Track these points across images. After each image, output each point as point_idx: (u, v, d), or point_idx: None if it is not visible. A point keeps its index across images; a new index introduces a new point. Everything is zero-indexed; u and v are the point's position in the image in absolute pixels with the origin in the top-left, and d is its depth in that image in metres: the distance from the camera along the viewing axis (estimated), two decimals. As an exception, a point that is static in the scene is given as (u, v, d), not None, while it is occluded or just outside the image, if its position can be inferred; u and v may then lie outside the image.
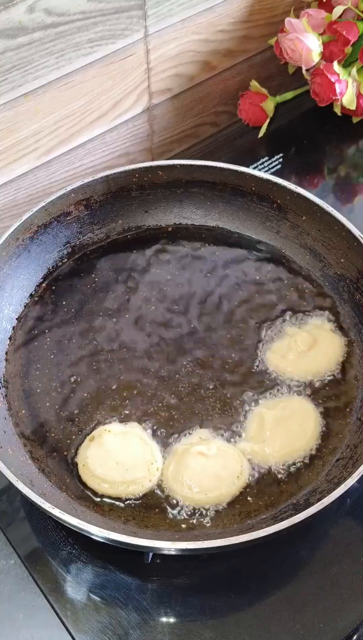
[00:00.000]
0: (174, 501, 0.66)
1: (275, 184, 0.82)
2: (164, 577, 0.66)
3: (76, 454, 0.69)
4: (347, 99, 0.96)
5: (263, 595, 0.65)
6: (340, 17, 0.95)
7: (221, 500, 0.66)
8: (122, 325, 0.79)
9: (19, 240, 0.79)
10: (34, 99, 0.80)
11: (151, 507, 0.66)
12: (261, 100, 1.01)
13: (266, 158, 1.01)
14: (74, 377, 0.75)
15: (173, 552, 0.60)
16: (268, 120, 1.02)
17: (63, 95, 0.83)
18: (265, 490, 0.67)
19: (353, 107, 0.97)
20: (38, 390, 0.74)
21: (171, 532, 0.64)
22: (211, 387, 0.74)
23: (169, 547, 0.58)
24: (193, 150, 1.06)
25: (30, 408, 0.72)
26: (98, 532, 0.58)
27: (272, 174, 0.93)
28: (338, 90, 0.95)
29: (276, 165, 1.00)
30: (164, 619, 0.64)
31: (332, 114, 1.00)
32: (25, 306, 0.80)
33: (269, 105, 1.02)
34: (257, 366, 0.75)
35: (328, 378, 0.74)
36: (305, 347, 0.75)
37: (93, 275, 0.83)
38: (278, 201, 0.84)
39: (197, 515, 0.65)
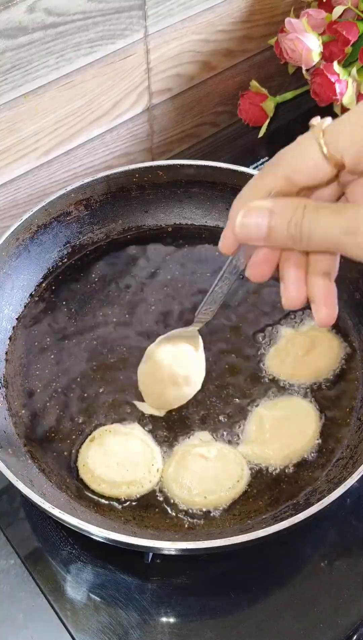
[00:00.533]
0: (174, 502, 0.66)
1: (275, 184, 0.82)
2: (164, 577, 0.66)
3: (76, 454, 0.69)
4: (347, 99, 0.96)
5: (263, 595, 0.65)
6: (340, 17, 0.95)
7: (219, 504, 0.66)
8: (122, 326, 0.79)
9: (19, 240, 0.79)
10: (34, 99, 0.80)
11: (151, 507, 0.66)
12: (261, 100, 1.01)
13: (266, 158, 1.01)
14: (75, 377, 0.75)
15: (173, 552, 0.60)
16: (268, 120, 1.02)
17: (63, 95, 0.83)
18: (265, 490, 0.67)
19: (353, 107, 0.97)
20: (38, 390, 0.74)
21: (171, 532, 0.64)
22: (211, 388, 0.74)
23: (169, 547, 0.58)
24: (193, 150, 1.06)
25: (30, 408, 0.72)
26: (98, 532, 0.58)
27: (272, 174, 0.93)
28: (338, 90, 0.95)
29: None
30: (164, 619, 0.64)
31: (332, 114, 1.00)
32: (25, 306, 0.80)
33: (269, 105, 1.02)
34: (257, 370, 0.75)
35: (329, 379, 0.74)
36: (303, 351, 0.75)
37: (93, 275, 0.83)
38: (278, 201, 0.84)
39: (197, 515, 0.65)
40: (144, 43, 0.87)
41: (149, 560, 0.66)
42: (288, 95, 1.05)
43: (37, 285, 0.82)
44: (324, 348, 0.75)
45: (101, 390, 0.74)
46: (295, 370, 0.74)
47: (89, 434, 0.70)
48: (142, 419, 0.71)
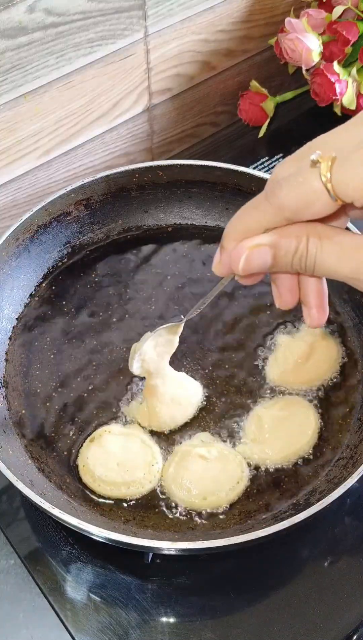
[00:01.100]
0: (174, 502, 0.66)
1: (275, 184, 0.82)
2: (164, 577, 0.66)
3: (76, 454, 0.69)
4: (347, 99, 0.96)
5: (263, 595, 0.65)
6: (340, 17, 0.95)
7: (219, 505, 0.66)
8: (122, 326, 0.79)
9: (19, 240, 0.79)
10: (34, 99, 0.80)
11: (151, 507, 0.66)
12: (261, 100, 1.01)
13: (266, 158, 1.01)
14: (75, 377, 0.75)
15: (173, 552, 0.60)
16: (268, 120, 1.02)
17: (63, 95, 0.83)
18: (265, 490, 0.67)
19: (353, 107, 0.97)
20: (38, 390, 0.74)
21: (171, 532, 0.64)
22: (211, 388, 0.74)
23: (169, 547, 0.58)
24: (193, 150, 1.06)
25: (30, 408, 0.72)
26: (98, 532, 0.58)
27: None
28: (338, 90, 0.95)
29: (276, 165, 0.99)
30: (164, 619, 0.64)
31: (332, 114, 1.00)
32: (25, 306, 0.80)
33: (269, 105, 1.02)
34: (258, 379, 0.75)
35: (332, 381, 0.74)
36: (303, 358, 0.74)
37: (93, 275, 0.83)
38: (278, 201, 0.84)
39: (197, 515, 0.65)
40: (144, 43, 0.87)
41: (149, 560, 0.66)
42: (288, 95, 1.05)
43: (37, 285, 0.82)
44: (323, 352, 0.75)
45: (100, 391, 0.74)
46: (297, 378, 0.73)
47: (89, 434, 0.70)
48: (142, 419, 0.72)
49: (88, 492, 0.67)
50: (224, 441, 0.70)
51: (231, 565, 0.67)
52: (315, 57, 0.94)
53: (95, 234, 0.86)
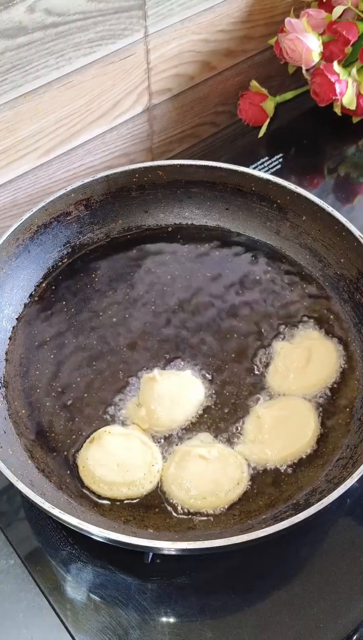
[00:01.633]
0: (174, 503, 0.66)
1: (275, 184, 0.82)
2: (164, 577, 0.66)
3: (76, 454, 0.69)
4: (347, 99, 0.96)
5: (263, 595, 0.65)
6: (340, 17, 0.95)
7: (219, 505, 0.66)
8: (122, 326, 0.79)
9: (19, 240, 0.79)
10: (34, 99, 0.80)
11: (151, 507, 0.66)
12: (261, 100, 1.02)
13: (266, 158, 1.01)
14: (74, 377, 0.75)
15: (173, 552, 0.60)
16: (268, 120, 1.02)
17: (63, 95, 0.83)
18: (265, 490, 0.67)
19: (353, 107, 0.97)
20: (38, 390, 0.74)
21: (171, 532, 0.64)
22: (211, 388, 0.74)
23: (169, 547, 0.58)
24: (193, 150, 1.06)
25: (30, 408, 0.72)
26: (98, 532, 0.58)
27: (272, 174, 0.93)
28: (338, 90, 0.95)
29: (276, 165, 1.00)
30: (164, 619, 0.64)
31: (332, 114, 1.00)
32: (25, 306, 0.80)
33: (269, 105, 1.02)
34: (256, 377, 0.75)
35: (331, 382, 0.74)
36: (302, 364, 0.74)
37: (93, 275, 0.83)
38: (278, 201, 0.84)
39: (197, 515, 0.65)
40: (144, 43, 0.87)
41: (149, 560, 0.66)
42: (288, 95, 1.05)
43: (37, 285, 0.82)
44: (322, 355, 0.75)
45: (100, 391, 0.74)
46: (299, 385, 0.73)
47: (89, 435, 0.70)
48: (142, 419, 0.72)
49: (88, 492, 0.67)
50: (224, 441, 0.70)
51: (231, 565, 0.67)
52: (315, 57, 0.94)
53: (95, 234, 0.86)
